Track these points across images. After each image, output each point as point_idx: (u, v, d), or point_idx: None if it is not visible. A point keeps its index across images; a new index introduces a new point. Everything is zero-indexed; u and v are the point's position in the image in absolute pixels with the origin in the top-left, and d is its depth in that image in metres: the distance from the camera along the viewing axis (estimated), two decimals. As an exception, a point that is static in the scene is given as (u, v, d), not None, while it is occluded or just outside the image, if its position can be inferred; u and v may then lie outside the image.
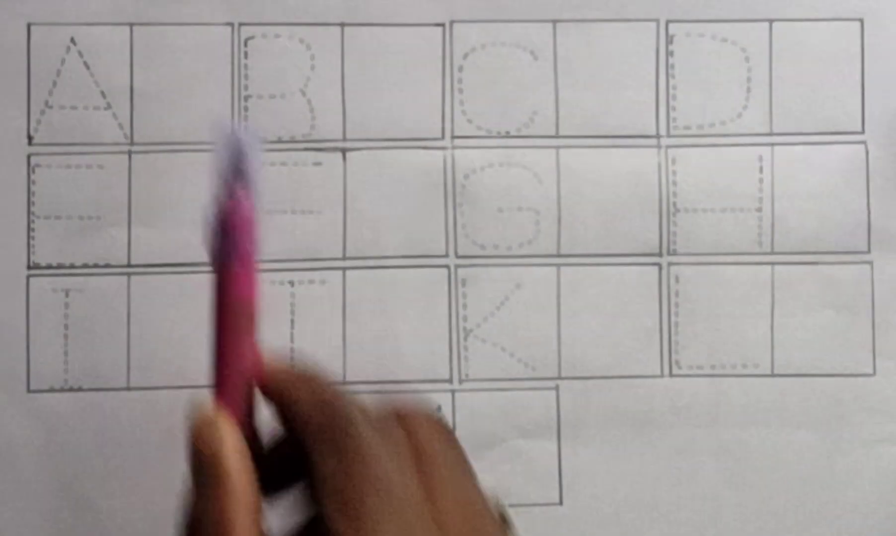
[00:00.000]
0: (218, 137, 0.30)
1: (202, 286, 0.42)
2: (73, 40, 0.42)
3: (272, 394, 0.31)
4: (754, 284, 0.44)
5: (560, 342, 0.43)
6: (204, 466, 0.30)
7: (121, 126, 0.43)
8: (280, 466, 0.31)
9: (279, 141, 0.43)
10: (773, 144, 0.44)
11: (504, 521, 0.31)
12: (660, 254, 0.44)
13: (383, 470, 0.29)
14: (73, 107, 0.43)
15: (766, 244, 0.44)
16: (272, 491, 0.31)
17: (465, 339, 0.43)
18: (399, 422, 0.31)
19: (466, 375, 0.43)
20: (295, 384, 0.31)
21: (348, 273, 0.43)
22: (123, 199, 0.43)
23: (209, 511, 0.30)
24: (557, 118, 0.44)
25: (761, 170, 0.44)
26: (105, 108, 0.43)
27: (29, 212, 0.42)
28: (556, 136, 0.44)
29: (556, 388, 0.43)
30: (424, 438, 0.31)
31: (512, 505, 0.43)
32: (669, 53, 0.44)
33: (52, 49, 0.42)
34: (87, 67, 0.43)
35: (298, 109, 0.43)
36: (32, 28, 0.43)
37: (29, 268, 0.42)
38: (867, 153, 0.44)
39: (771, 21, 0.44)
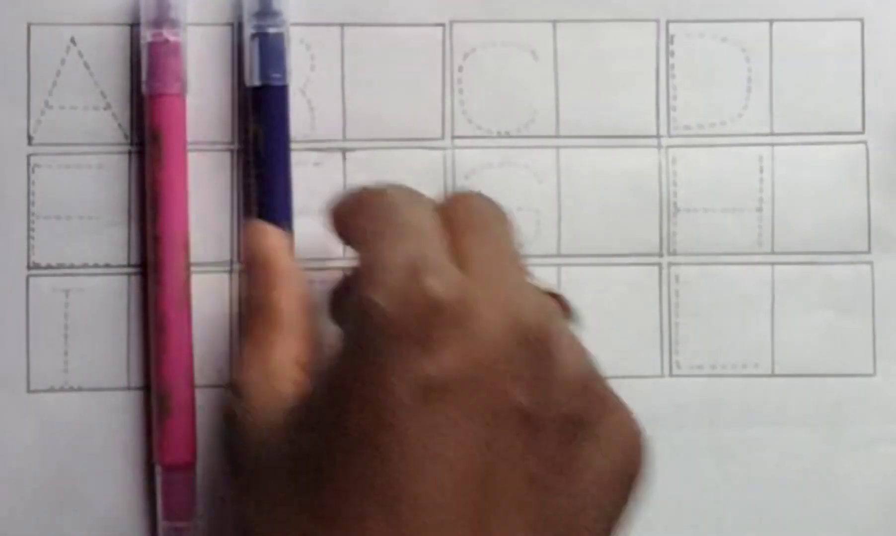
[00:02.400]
0: None
1: (203, 286, 0.42)
2: (73, 40, 0.42)
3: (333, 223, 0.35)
4: (754, 284, 0.44)
5: (560, 342, 0.43)
6: (255, 259, 0.35)
7: (121, 126, 0.43)
8: None
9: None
10: (773, 144, 0.44)
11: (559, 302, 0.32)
12: (660, 254, 0.44)
13: (400, 199, 0.33)
14: (73, 107, 0.43)
15: (766, 244, 0.44)
16: None
17: (465, 339, 0.43)
18: (445, 203, 0.33)
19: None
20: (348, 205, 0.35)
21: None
22: (123, 199, 0.43)
23: (259, 296, 0.34)
24: (557, 118, 0.44)
25: (761, 170, 0.44)
26: (105, 108, 0.43)
27: (29, 212, 0.42)
28: (556, 136, 0.44)
29: (556, 388, 0.43)
30: (466, 210, 0.33)
31: (512, 505, 0.43)
32: (669, 53, 0.44)
33: (52, 49, 0.42)
34: (87, 67, 0.42)
35: (298, 109, 0.43)
36: (32, 28, 0.42)
37: (29, 268, 0.42)
38: (867, 153, 0.44)
39: (771, 21, 0.44)
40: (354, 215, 0.34)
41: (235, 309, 0.42)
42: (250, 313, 0.35)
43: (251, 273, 0.36)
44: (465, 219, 0.33)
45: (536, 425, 0.29)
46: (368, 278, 0.30)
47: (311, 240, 0.43)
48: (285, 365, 0.33)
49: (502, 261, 0.31)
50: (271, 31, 0.42)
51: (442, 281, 0.29)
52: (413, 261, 0.30)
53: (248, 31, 0.42)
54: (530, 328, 0.30)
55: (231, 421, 0.32)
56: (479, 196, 0.34)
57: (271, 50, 0.42)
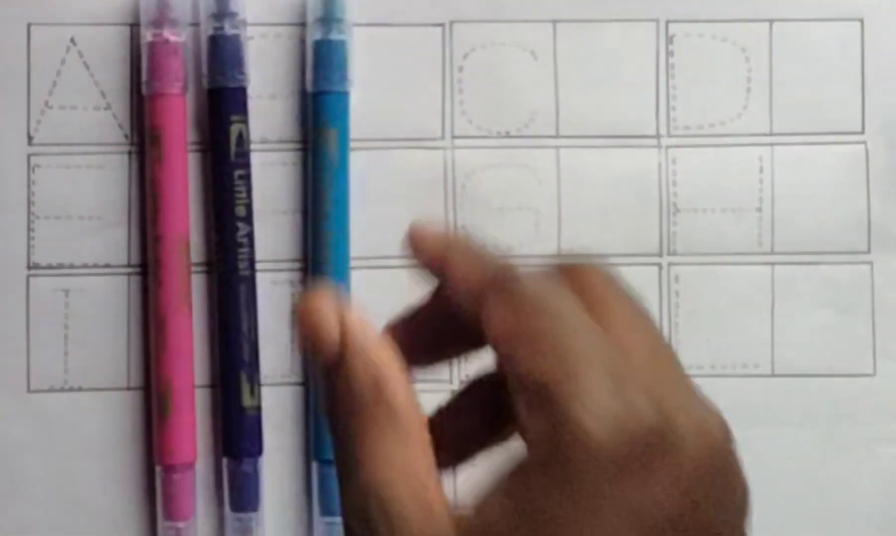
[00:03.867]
0: None
1: (203, 286, 0.42)
2: (73, 40, 0.42)
3: (423, 258, 0.29)
4: (754, 284, 0.44)
5: (560, 342, 0.43)
6: (352, 348, 0.27)
7: (121, 126, 0.43)
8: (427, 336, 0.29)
9: (279, 141, 0.43)
10: (773, 144, 0.44)
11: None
12: (660, 254, 0.44)
13: (568, 309, 0.27)
14: (73, 108, 0.42)
15: (766, 244, 0.44)
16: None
17: (466, 339, 0.43)
18: (566, 276, 0.28)
19: (466, 375, 0.43)
20: (450, 247, 0.29)
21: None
22: (123, 199, 0.42)
23: (369, 391, 0.26)
24: (557, 118, 0.44)
25: (761, 170, 0.44)
26: (105, 108, 0.43)
27: (29, 212, 0.42)
28: (556, 136, 0.44)
29: (557, 388, 0.43)
30: (598, 288, 0.28)
31: (512, 505, 0.43)
32: (669, 53, 0.44)
33: (52, 49, 0.42)
34: (87, 67, 0.42)
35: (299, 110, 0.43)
36: (32, 28, 0.42)
37: (29, 268, 0.42)
38: (867, 153, 0.44)
39: (771, 21, 0.44)
40: (484, 293, 0.28)
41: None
42: (357, 412, 0.27)
43: (344, 362, 0.27)
44: (616, 305, 0.28)
45: None
46: (571, 398, 0.25)
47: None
48: (429, 476, 0.27)
49: (669, 358, 0.28)
50: (229, 32, 0.42)
51: (651, 401, 0.26)
52: (616, 381, 0.26)
53: (206, 32, 0.42)
54: (724, 455, 0.28)
55: None
56: (608, 269, 0.29)
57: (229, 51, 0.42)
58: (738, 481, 0.28)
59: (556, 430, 0.25)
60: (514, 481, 0.26)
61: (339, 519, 0.41)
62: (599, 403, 0.25)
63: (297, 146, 0.43)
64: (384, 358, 0.27)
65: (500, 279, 0.27)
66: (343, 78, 0.42)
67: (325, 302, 0.27)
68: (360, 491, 0.26)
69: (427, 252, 0.29)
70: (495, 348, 0.27)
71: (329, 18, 0.42)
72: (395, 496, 0.26)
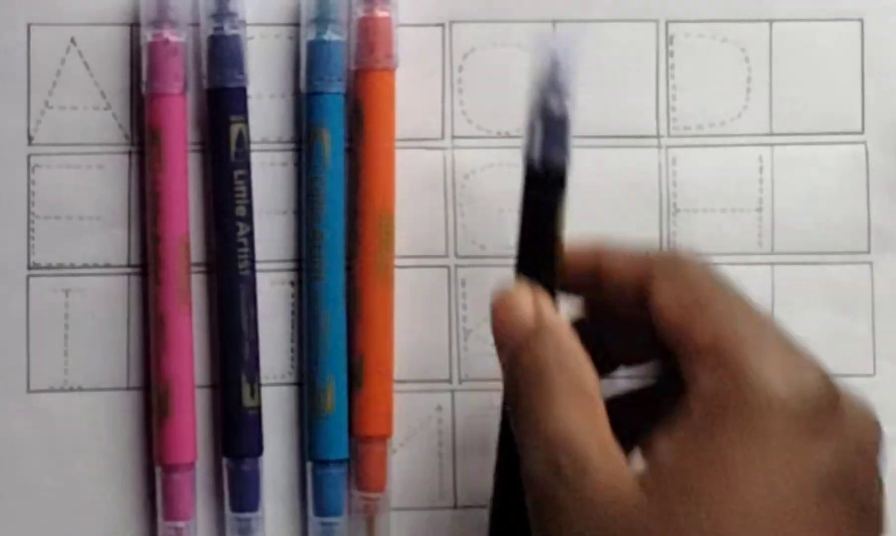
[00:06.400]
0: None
1: (203, 286, 0.42)
2: (73, 40, 0.42)
3: (580, 266, 0.34)
4: (754, 284, 0.43)
5: (560, 342, 0.43)
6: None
7: (121, 126, 0.43)
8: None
9: (279, 141, 0.43)
10: (773, 144, 0.44)
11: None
12: (660, 254, 0.44)
13: (733, 284, 0.32)
14: (73, 108, 0.43)
15: (766, 244, 0.44)
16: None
17: (465, 339, 0.43)
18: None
19: (466, 375, 0.43)
20: (601, 251, 0.34)
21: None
22: (123, 199, 0.43)
23: (556, 361, 0.31)
24: (557, 118, 0.44)
25: (761, 170, 0.44)
26: (105, 108, 0.43)
27: (29, 212, 0.42)
28: (556, 136, 0.44)
29: (556, 388, 0.43)
30: (709, 279, 0.32)
31: (512, 505, 0.43)
32: (669, 53, 0.44)
33: (52, 49, 0.42)
34: (87, 67, 0.43)
35: (300, 110, 0.43)
36: (32, 28, 0.42)
37: (29, 268, 0.42)
38: (867, 153, 0.44)
39: (771, 21, 0.44)
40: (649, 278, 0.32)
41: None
42: (545, 380, 0.31)
43: (536, 338, 0.32)
44: (721, 293, 0.32)
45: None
46: (752, 358, 0.30)
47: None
48: (607, 432, 0.31)
49: (781, 331, 0.32)
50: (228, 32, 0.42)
51: (814, 368, 0.31)
52: (786, 348, 0.31)
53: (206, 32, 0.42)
54: (880, 429, 0.31)
55: (572, 495, 0.30)
56: (701, 258, 0.34)
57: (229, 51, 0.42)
58: (881, 450, 0.31)
59: (737, 386, 0.29)
60: (685, 434, 0.29)
61: (333, 519, 0.42)
62: (777, 365, 0.30)
63: (297, 146, 0.43)
64: (571, 335, 0.32)
65: (668, 262, 0.33)
66: (337, 79, 0.42)
67: (523, 291, 0.33)
68: (549, 442, 0.30)
69: (579, 264, 0.34)
70: (664, 319, 0.31)
71: (323, 19, 0.42)
72: (582, 443, 0.30)
